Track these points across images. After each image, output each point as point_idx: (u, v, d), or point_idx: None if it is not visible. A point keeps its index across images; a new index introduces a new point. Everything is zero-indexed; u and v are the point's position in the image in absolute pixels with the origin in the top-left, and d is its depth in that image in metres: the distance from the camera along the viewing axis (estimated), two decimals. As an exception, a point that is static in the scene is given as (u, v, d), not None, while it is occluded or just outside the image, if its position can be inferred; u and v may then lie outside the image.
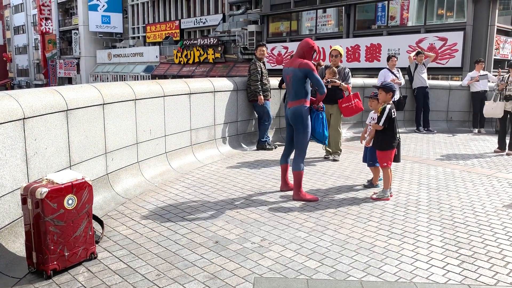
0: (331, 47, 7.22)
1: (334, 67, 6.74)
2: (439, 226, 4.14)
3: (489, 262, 3.40)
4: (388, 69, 9.39)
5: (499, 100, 8.02)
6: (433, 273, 3.21)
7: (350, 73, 6.96)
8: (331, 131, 6.68)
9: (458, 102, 10.84)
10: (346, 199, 4.93)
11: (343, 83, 6.72)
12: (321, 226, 4.07)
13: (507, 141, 7.83)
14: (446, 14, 20.39)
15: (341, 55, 6.85)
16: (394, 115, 4.88)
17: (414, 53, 10.66)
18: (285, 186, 5.16)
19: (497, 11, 18.46)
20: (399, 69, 9.60)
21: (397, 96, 9.06)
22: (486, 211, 4.60)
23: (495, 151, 7.90)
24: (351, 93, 6.71)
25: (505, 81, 8.00)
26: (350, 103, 6.58)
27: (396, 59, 9.49)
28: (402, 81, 9.54)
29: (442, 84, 11.29)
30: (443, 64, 11.69)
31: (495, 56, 18.55)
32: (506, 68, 8.58)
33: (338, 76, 6.72)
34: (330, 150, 6.95)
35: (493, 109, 8.05)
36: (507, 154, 7.68)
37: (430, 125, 10.23)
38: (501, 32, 19.14)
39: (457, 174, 6.17)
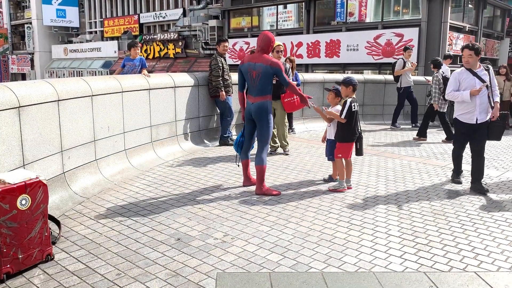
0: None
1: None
2: (396, 216, 4.27)
3: (444, 250, 3.54)
4: (466, 69, 5.17)
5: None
6: (391, 262, 3.32)
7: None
8: (276, 126, 6.86)
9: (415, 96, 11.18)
10: (307, 192, 4.99)
11: None
12: (283, 220, 4.11)
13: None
14: (402, 10, 21.00)
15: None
16: (354, 108, 4.98)
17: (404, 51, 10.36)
18: (247, 181, 5.17)
19: (449, 8, 19.15)
20: (490, 68, 5.21)
21: (485, 117, 5.14)
22: (441, 200, 4.79)
23: (442, 141, 8.37)
24: None
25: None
26: (292, 98, 6.53)
27: (472, 53, 5.04)
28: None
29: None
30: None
31: (448, 51, 19.25)
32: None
33: None
34: (276, 145, 7.06)
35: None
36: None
37: (417, 120, 10.11)
38: (453, 28, 19.89)
39: (413, 165, 6.38)
